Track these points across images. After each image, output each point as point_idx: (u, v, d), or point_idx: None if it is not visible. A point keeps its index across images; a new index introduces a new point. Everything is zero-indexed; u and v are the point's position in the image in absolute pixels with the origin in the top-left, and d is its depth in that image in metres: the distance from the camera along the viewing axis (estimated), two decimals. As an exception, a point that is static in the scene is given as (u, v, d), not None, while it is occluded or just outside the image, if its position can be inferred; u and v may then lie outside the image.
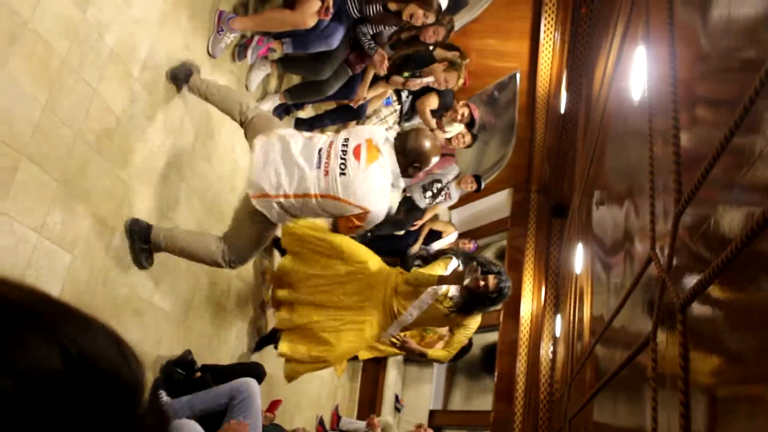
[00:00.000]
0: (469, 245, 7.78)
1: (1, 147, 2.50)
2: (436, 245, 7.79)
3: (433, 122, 6.16)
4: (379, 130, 3.41)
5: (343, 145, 3.26)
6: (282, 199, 3.25)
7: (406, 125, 6.27)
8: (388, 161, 3.29)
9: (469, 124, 6.44)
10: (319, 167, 3.22)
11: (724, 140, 1.22)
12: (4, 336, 0.41)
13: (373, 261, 4.72)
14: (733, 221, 1.20)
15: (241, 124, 3.56)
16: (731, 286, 1.18)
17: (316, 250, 4.61)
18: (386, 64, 4.92)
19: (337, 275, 4.53)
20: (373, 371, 7.82)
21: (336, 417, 6.85)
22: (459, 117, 6.30)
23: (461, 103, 6.20)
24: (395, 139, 3.40)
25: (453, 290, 4.42)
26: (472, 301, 4.34)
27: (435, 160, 3.45)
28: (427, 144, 3.34)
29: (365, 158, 3.22)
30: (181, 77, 3.66)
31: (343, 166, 3.20)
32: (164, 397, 3.51)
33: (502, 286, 4.28)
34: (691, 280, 1.34)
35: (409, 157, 3.32)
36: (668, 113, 1.77)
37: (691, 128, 1.62)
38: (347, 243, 4.66)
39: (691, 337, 1.35)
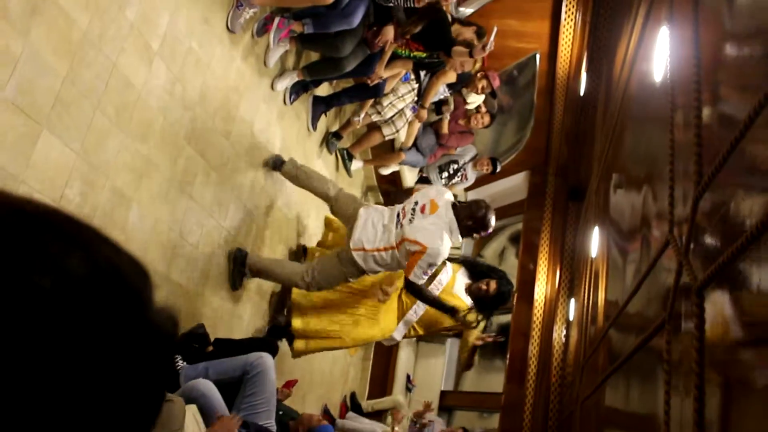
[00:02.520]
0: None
1: (22, 117, 2.52)
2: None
3: (429, 100, 6.15)
4: (445, 193, 4.31)
5: (414, 203, 4.21)
6: (375, 253, 4.20)
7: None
8: (443, 213, 4.12)
9: (491, 94, 6.39)
10: (397, 224, 4.19)
11: (746, 123, 1.21)
12: (47, 241, 0.49)
13: None
14: (753, 205, 1.19)
15: (328, 199, 4.64)
16: (749, 270, 1.17)
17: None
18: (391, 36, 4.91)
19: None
20: (385, 350, 7.84)
21: (344, 408, 6.89)
22: (479, 90, 6.25)
23: (479, 75, 6.13)
24: (459, 204, 4.28)
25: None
26: (477, 305, 4.98)
27: (490, 228, 4.26)
28: (483, 213, 4.18)
29: (428, 211, 4.13)
30: (275, 165, 4.77)
31: (411, 218, 4.13)
32: (180, 361, 3.55)
33: (503, 290, 5.02)
34: (708, 264, 1.33)
35: (466, 222, 4.14)
36: (690, 96, 1.75)
37: (714, 111, 1.60)
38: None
39: (707, 321, 1.35)
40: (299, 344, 4.83)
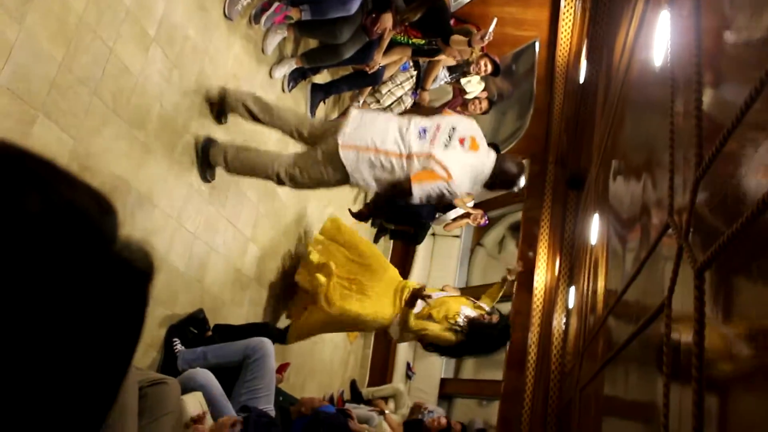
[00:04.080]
0: (481, 220, 7.77)
1: (19, 103, 2.51)
2: (452, 214, 7.77)
3: (430, 82, 6.13)
4: (483, 136, 3.90)
5: (451, 129, 3.74)
6: (375, 155, 3.65)
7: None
8: (484, 157, 3.77)
9: (494, 73, 6.36)
10: (424, 138, 3.68)
11: (745, 106, 1.20)
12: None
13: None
14: (751, 189, 1.19)
15: (306, 139, 3.96)
16: (747, 252, 1.17)
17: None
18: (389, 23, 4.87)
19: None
20: (385, 338, 7.86)
21: (341, 401, 6.90)
22: (482, 71, 6.22)
23: (480, 55, 6.09)
24: (500, 155, 3.92)
25: (464, 313, 4.71)
26: (474, 332, 4.60)
27: (520, 184, 3.93)
28: (517, 172, 3.87)
29: (468, 146, 3.74)
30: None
31: (447, 143, 3.69)
32: (178, 345, 3.55)
33: (505, 324, 4.75)
34: (708, 246, 1.33)
35: (500, 176, 3.80)
36: (691, 81, 1.74)
37: (714, 96, 1.60)
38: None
39: (707, 303, 1.34)
40: (292, 330, 4.80)
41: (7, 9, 2.43)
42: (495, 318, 4.73)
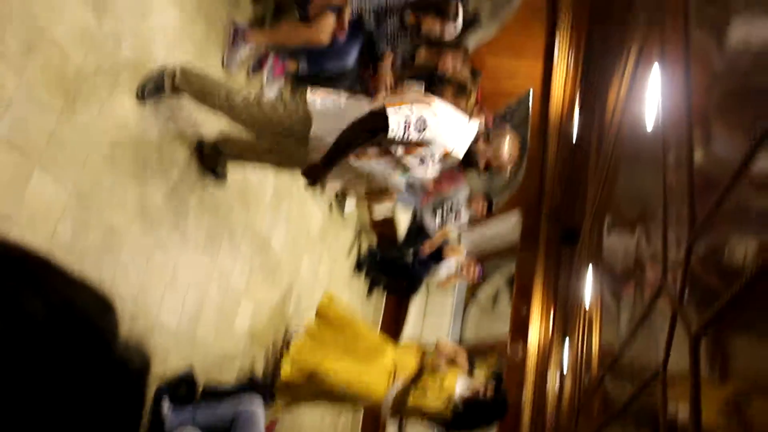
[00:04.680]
0: (475, 270, 7.72)
1: (15, 154, 2.48)
2: (444, 268, 7.72)
3: None
4: None
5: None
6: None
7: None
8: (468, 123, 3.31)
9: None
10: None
11: (739, 168, 1.16)
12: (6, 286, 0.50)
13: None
14: (748, 252, 1.14)
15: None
16: (744, 318, 1.12)
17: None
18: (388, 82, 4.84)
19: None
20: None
21: None
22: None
23: (475, 110, 6.12)
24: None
25: (459, 389, 4.55)
26: (469, 412, 4.46)
27: (503, 163, 3.35)
28: (508, 148, 3.34)
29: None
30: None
31: None
32: (167, 404, 3.46)
33: (502, 398, 4.55)
34: (703, 310, 1.28)
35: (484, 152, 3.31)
36: (682, 137, 1.71)
37: (706, 152, 1.57)
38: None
39: (702, 369, 1.29)
40: (283, 401, 4.72)
41: (7, 61, 2.43)
42: (490, 391, 4.61)
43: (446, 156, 3.23)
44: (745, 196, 1.20)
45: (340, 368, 4.61)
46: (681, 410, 1.42)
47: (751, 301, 1.09)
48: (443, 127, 3.12)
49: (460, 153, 3.27)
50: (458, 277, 7.84)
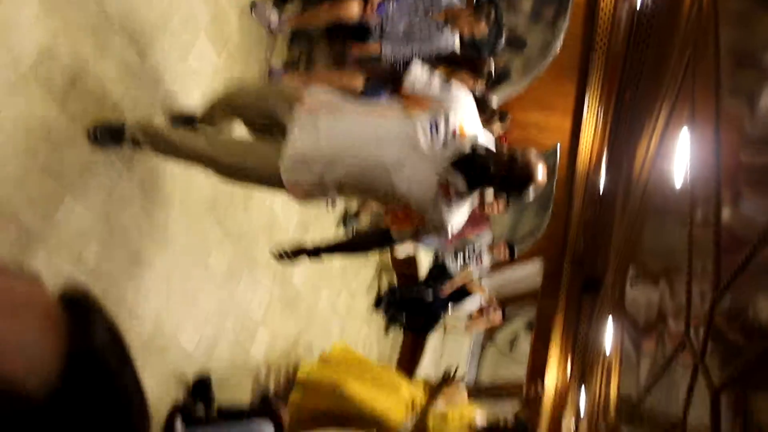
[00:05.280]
0: (498, 314, 7.71)
1: (50, 181, 2.59)
2: (468, 307, 7.72)
3: None
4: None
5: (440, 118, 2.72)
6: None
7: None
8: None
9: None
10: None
11: (766, 229, 1.22)
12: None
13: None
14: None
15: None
16: (765, 375, 1.16)
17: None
18: None
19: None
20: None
21: None
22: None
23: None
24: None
25: (479, 419, 4.44)
26: None
27: (532, 190, 2.59)
28: (536, 165, 2.55)
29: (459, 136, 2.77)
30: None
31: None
32: (179, 423, 3.49)
33: (524, 428, 4.29)
34: (725, 368, 1.32)
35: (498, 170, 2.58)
36: (710, 197, 1.77)
37: (733, 213, 1.62)
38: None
39: (723, 425, 1.33)
40: (292, 413, 4.54)
41: (53, 94, 2.53)
42: (510, 425, 4.55)
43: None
44: (764, 262, 1.24)
45: (358, 387, 4.55)
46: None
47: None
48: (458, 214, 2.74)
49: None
50: (481, 320, 7.84)
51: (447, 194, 2.65)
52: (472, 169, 2.64)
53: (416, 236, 3.02)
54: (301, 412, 4.56)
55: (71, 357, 0.49)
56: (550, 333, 6.91)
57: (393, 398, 4.59)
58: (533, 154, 2.64)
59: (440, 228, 2.77)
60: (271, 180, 2.71)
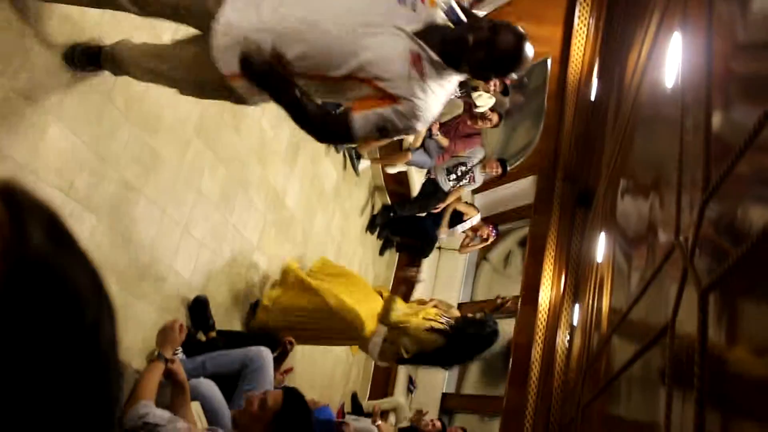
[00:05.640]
0: (490, 231, 7.78)
1: (31, 106, 2.54)
2: (460, 228, 7.79)
3: None
4: None
5: None
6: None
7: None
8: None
9: (503, 92, 6.39)
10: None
11: (754, 130, 1.20)
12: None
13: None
14: (757, 213, 1.19)
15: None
16: (752, 276, 1.17)
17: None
18: None
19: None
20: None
21: (341, 413, 6.89)
22: (492, 88, 6.25)
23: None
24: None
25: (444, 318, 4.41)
26: (458, 332, 4.26)
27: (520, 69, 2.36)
28: (522, 38, 2.29)
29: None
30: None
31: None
32: (180, 354, 3.56)
33: (493, 327, 4.29)
34: (713, 269, 1.33)
35: (476, 51, 2.27)
36: (701, 102, 1.75)
37: (723, 118, 1.60)
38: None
39: (710, 325, 1.34)
40: (261, 315, 4.55)
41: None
42: (479, 317, 4.48)
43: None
44: (758, 160, 1.24)
45: (334, 287, 4.57)
46: (687, 365, 1.48)
47: (758, 262, 1.14)
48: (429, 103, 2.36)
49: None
50: (475, 242, 7.92)
51: (420, 68, 2.28)
52: (448, 43, 2.30)
53: (384, 131, 2.39)
54: (276, 306, 4.53)
55: (7, 259, 0.44)
56: (544, 249, 6.97)
57: (372, 305, 4.59)
58: (518, 27, 2.31)
59: (412, 114, 2.31)
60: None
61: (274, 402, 2.63)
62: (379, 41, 2.25)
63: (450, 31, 2.33)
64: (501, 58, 2.29)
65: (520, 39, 2.28)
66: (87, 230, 2.94)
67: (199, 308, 3.87)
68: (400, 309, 4.45)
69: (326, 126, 2.44)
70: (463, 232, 7.86)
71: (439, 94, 2.38)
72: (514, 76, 2.46)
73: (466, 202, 8.09)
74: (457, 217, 7.74)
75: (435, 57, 2.29)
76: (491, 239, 7.86)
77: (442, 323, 4.33)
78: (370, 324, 4.46)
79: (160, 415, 2.40)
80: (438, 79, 2.34)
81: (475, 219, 7.77)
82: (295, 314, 4.52)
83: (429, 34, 2.30)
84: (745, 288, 1.22)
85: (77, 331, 0.46)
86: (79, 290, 0.47)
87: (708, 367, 1.34)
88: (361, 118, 2.33)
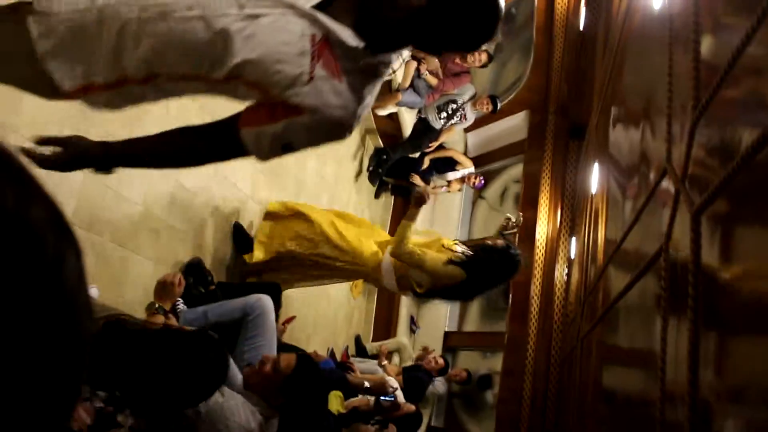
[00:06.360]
0: (477, 180, 7.88)
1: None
2: (450, 175, 7.81)
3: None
4: None
5: None
6: None
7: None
8: None
9: (484, 66, 6.39)
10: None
11: (738, 50, 1.18)
12: None
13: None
14: (746, 131, 1.17)
15: None
16: (743, 194, 1.16)
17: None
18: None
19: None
20: (389, 293, 7.91)
21: (346, 356, 6.99)
22: (472, 63, 6.26)
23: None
24: None
25: (460, 247, 4.24)
26: (478, 259, 4.07)
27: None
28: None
29: None
30: None
31: None
32: (181, 305, 3.58)
33: (513, 252, 4.13)
34: (705, 188, 1.32)
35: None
36: (689, 25, 1.71)
37: (712, 41, 1.57)
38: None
39: (704, 246, 1.34)
40: (256, 250, 4.40)
41: None
42: (500, 244, 4.25)
43: None
44: (745, 78, 1.22)
45: (331, 218, 4.48)
46: (681, 289, 1.48)
47: (747, 179, 1.13)
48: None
49: None
50: (462, 183, 8.03)
51: (328, 61, 1.58)
52: (367, 6, 1.60)
53: (290, 148, 1.76)
54: (270, 238, 4.46)
55: None
56: (539, 184, 6.96)
57: (371, 239, 4.53)
58: None
59: (327, 127, 1.72)
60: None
61: (287, 365, 2.70)
62: (258, 28, 1.58)
63: None
64: (466, 25, 1.55)
65: None
66: (77, 185, 2.92)
67: (194, 270, 3.87)
68: (414, 237, 4.22)
69: (212, 156, 1.96)
70: (452, 180, 7.93)
71: (367, 90, 1.71)
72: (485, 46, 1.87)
73: (464, 154, 8.10)
74: (450, 165, 7.78)
75: (350, 40, 1.59)
76: (476, 185, 8.02)
77: (460, 254, 4.16)
78: (371, 254, 4.40)
79: None
80: (361, 70, 1.65)
81: (467, 171, 7.81)
82: (293, 241, 4.41)
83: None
84: (736, 206, 1.21)
85: (37, 265, 0.42)
86: (34, 222, 0.43)
87: (702, 289, 1.34)
88: (252, 135, 1.77)
